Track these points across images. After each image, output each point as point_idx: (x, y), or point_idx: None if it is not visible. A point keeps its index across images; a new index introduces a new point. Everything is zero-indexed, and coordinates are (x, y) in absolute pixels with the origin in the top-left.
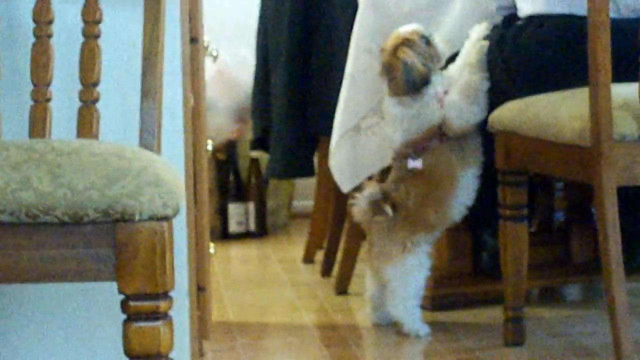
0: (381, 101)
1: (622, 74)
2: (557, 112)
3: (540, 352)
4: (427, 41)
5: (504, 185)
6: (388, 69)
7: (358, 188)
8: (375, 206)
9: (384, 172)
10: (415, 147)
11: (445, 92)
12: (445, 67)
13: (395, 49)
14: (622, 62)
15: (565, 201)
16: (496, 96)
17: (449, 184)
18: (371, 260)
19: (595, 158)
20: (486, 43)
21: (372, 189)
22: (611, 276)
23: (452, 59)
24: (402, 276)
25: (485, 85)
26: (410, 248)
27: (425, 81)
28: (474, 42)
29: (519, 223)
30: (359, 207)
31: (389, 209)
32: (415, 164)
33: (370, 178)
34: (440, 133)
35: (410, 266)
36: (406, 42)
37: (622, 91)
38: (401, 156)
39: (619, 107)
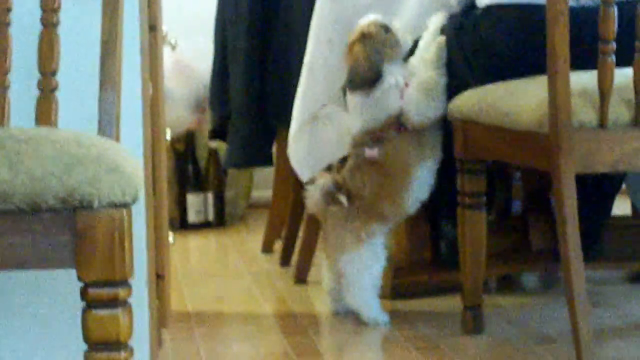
0: (339, 90)
1: (580, 62)
2: (516, 99)
3: (499, 340)
4: (387, 29)
5: (462, 174)
6: (346, 65)
7: (311, 179)
8: (329, 196)
9: (344, 161)
10: (373, 136)
11: (406, 84)
12: (408, 56)
13: (352, 44)
14: (580, 50)
15: (524, 189)
16: (455, 86)
17: (404, 177)
18: (327, 250)
19: (554, 146)
20: (443, 39)
21: (324, 180)
22: (569, 264)
23: (414, 46)
24: (357, 267)
25: (444, 80)
26: (365, 238)
27: (377, 76)
28: (432, 32)
29: (477, 211)
30: (312, 198)
31: (343, 199)
32: (372, 152)
33: (329, 167)
34: (398, 124)
35: (366, 257)
36: (362, 38)
37: (581, 79)
38: (359, 145)
39: (578, 95)
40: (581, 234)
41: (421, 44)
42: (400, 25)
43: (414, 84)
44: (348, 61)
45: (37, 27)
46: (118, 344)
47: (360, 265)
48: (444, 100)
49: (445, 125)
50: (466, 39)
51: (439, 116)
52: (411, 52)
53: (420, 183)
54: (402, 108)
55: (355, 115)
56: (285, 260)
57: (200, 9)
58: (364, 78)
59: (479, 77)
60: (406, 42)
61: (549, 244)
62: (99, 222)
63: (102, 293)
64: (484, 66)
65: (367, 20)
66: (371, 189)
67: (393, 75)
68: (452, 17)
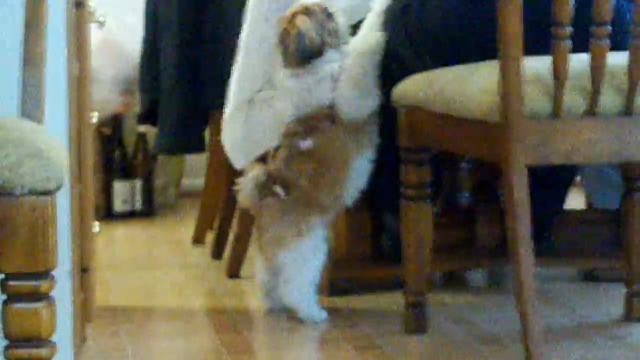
0: (275, 73)
1: (534, 46)
2: (465, 85)
3: (443, 339)
4: (329, 15)
5: (406, 164)
6: (283, 37)
7: (243, 171)
8: (263, 188)
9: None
10: (307, 126)
11: (341, 72)
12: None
13: (294, 16)
14: (533, 33)
15: (471, 180)
16: (399, 71)
17: (341, 167)
18: (262, 246)
19: (504, 135)
20: (382, 35)
21: (256, 171)
22: (519, 260)
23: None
24: (297, 261)
25: (375, 71)
26: (304, 231)
27: (318, 52)
28: (377, 14)
29: (422, 203)
30: (244, 192)
31: (279, 190)
32: (306, 144)
33: (264, 156)
34: (332, 116)
35: (306, 251)
36: (306, 11)
37: (534, 65)
38: (292, 134)
39: (530, 82)
40: (532, 227)
41: (365, 25)
42: (344, 5)
43: (344, 78)
44: (287, 32)
45: None
46: (39, 340)
47: (299, 260)
48: (377, 92)
49: (387, 112)
50: (412, 19)
51: (372, 110)
52: (353, 32)
53: (359, 173)
54: (335, 100)
55: (286, 101)
56: (217, 253)
57: None
58: (308, 47)
59: (426, 61)
60: (345, 30)
61: (497, 238)
62: (20, 210)
63: (23, 285)
64: (431, 49)
65: (310, 0)
66: (308, 178)
67: (329, 64)
68: None
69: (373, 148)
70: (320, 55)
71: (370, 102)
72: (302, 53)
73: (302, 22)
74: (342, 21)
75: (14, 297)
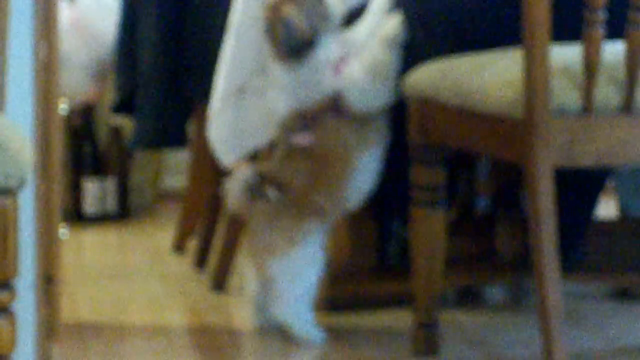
0: (269, 60)
1: (562, 33)
2: (484, 76)
3: None
4: None
5: (417, 163)
6: (269, 28)
7: (229, 171)
8: (254, 190)
9: (273, 146)
10: (305, 119)
11: (343, 58)
12: (347, 25)
13: (279, 4)
14: (563, 18)
15: (491, 184)
16: (412, 58)
17: (343, 165)
18: (252, 252)
19: (528, 133)
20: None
21: (245, 171)
22: (544, 275)
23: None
24: (290, 273)
25: (397, 65)
26: (299, 239)
27: (309, 45)
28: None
29: (434, 209)
30: (232, 193)
31: (272, 192)
32: (301, 139)
33: (255, 153)
34: (336, 107)
35: (300, 261)
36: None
37: (563, 54)
38: (287, 129)
39: (558, 73)
40: (559, 239)
41: (371, 8)
42: None
43: (360, 63)
44: (273, 21)
45: None
46: None
47: (292, 271)
48: (394, 86)
49: (398, 104)
50: (426, 2)
51: (386, 104)
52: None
53: (363, 173)
54: (340, 89)
55: (279, 94)
56: (200, 262)
57: None
58: (296, 42)
59: (440, 48)
60: (338, 12)
61: (519, 250)
62: None
63: None
64: (446, 34)
65: None
66: (304, 179)
67: (324, 50)
68: None
69: (382, 145)
70: (313, 45)
71: (387, 95)
72: (291, 47)
73: (289, 12)
74: (334, 1)
75: None
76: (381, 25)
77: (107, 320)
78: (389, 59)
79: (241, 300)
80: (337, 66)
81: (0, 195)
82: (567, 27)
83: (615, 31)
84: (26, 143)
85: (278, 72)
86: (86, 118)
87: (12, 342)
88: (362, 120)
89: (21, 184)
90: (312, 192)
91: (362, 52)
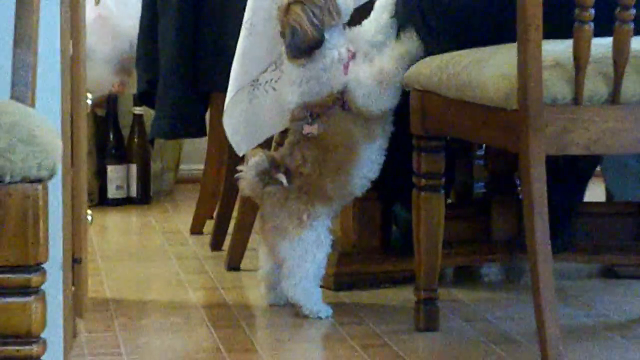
0: (282, 54)
1: (555, 30)
2: (481, 70)
3: (455, 338)
4: None
5: (419, 151)
6: (282, 29)
7: (243, 158)
8: (266, 176)
9: (285, 135)
10: (313, 110)
11: (352, 56)
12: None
13: (287, 8)
14: (554, 15)
15: (487, 171)
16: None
17: (349, 155)
18: (265, 234)
19: (523, 123)
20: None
21: (258, 158)
22: (536, 255)
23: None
24: (299, 253)
25: (402, 76)
26: (307, 222)
27: (317, 44)
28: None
29: (434, 193)
30: (246, 180)
31: (282, 177)
32: (311, 129)
33: (268, 141)
34: (343, 101)
35: (308, 242)
36: (300, 0)
37: (554, 49)
38: (297, 119)
39: (550, 67)
40: (550, 221)
41: (376, 6)
42: None
43: (370, 68)
44: (284, 24)
45: None
46: (29, 337)
47: (301, 252)
48: (398, 92)
49: (402, 98)
50: (427, 1)
51: (390, 108)
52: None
53: (368, 162)
54: (348, 85)
55: (292, 88)
56: (216, 243)
57: None
58: (304, 43)
59: (441, 44)
60: (348, 7)
61: (513, 231)
62: (10, 199)
63: (12, 279)
64: (447, 29)
65: None
66: (312, 166)
67: (335, 47)
68: None
69: (386, 137)
70: (321, 45)
71: (390, 100)
72: (298, 49)
73: (296, 16)
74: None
75: (2, 291)
76: (398, 43)
77: (129, 298)
78: (396, 71)
79: (254, 279)
80: (346, 65)
81: (33, 184)
82: (557, 25)
83: (602, 28)
84: (55, 135)
85: (290, 67)
86: (110, 108)
87: (43, 321)
88: (367, 115)
89: (52, 173)
90: (319, 178)
91: (372, 57)
